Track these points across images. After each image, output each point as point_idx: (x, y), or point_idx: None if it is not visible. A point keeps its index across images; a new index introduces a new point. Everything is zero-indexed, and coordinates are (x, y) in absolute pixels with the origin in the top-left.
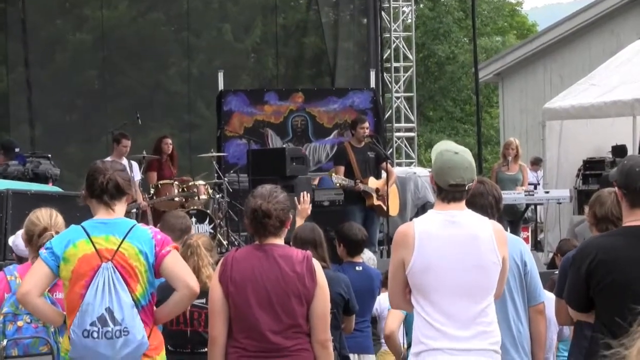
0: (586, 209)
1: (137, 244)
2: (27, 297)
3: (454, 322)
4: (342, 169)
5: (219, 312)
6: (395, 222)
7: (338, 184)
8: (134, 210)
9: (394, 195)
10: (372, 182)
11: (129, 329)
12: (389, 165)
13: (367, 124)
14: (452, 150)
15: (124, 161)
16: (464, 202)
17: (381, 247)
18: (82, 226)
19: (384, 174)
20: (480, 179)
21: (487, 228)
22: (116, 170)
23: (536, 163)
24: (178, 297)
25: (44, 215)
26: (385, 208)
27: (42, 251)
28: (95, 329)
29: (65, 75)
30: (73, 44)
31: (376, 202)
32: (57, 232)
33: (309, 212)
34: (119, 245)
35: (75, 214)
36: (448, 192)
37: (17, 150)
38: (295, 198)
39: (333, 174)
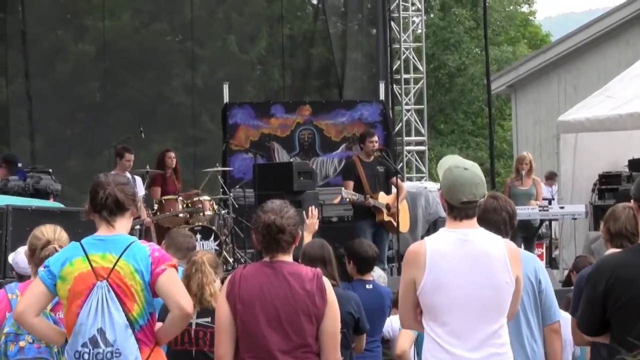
0: (602, 224)
1: (133, 262)
2: (22, 316)
3: (465, 343)
4: (351, 184)
5: (226, 331)
6: (405, 239)
7: (348, 199)
8: (138, 226)
9: (404, 211)
10: (382, 198)
11: (121, 351)
12: (398, 180)
13: (376, 138)
14: (461, 166)
15: (127, 176)
16: (475, 219)
17: (391, 265)
18: (80, 243)
19: (393, 189)
20: (493, 194)
21: (500, 247)
22: (118, 185)
23: (551, 178)
24: (170, 317)
25: (48, 230)
26: (395, 224)
27: (41, 269)
28: (87, 350)
29: (66, 87)
30: (74, 55)
31: (386, 218)
32: (60, 247)
33: (317, 227)
34: (115, 264)
35: (77, 230)
36: (460, 209)
37: (19, 165)
38: (303, 212)
39: (342, 189)
